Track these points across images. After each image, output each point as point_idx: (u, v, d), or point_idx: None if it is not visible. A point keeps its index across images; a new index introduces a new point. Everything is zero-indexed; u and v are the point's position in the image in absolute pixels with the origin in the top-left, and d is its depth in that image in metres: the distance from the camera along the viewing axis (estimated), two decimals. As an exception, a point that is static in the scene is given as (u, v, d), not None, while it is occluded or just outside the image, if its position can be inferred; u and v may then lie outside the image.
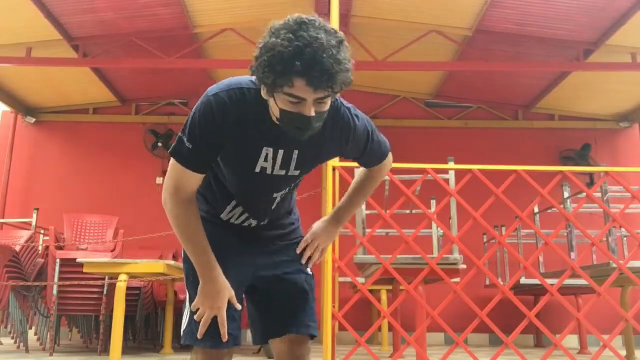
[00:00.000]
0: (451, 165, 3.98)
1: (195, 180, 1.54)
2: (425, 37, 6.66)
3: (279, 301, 1.68)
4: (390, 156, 1.80)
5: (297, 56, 1.29)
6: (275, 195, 1.65)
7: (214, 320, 1.57)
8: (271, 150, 1.53)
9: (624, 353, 4.60)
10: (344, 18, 6.35)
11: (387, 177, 3.85)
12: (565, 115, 8.55)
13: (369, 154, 1.71)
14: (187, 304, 1.66)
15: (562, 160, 8.20)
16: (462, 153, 6.90)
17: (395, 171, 3.81)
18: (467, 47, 6.84)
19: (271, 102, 1.42)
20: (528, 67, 7.12)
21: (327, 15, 4.55)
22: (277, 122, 1.45)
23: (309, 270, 1.76)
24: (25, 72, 7.39)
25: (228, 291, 1.58)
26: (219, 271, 1.58)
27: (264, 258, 1.70)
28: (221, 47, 7.29)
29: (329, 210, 3.65)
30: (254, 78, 1.45)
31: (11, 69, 7.23)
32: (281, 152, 1.54)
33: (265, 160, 1.54)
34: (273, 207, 1.68)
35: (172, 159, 1.54)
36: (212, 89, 1.50)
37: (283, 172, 1.58)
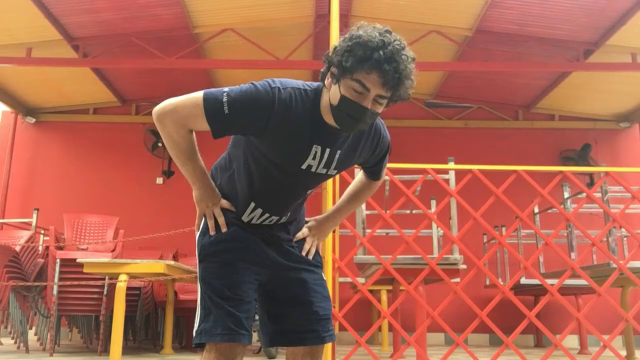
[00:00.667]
0: (451, 165, 3.98)
1: (201, 127, 1.57)
2: (425, 37, 6.65)
3: (301, 311, 1.69)
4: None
5: (380, 48, 1.44)
6: (308, 192, 1.73)
7: (232, 315, 1.58)
8: (319, 148, 1.60)
9: (624, 353, 4.60)
10: (344, 18, 6.34)
11: (387, 177, 3.86)
12: (565, 115, 8.55)
13: (381, 166, 1.82)
14: (199, 303, 1.66)
15: (562, 160, 8.20)
16: (462, 153, 6.91)
17: (395, 171, 3.82)
18: (467, 47, 6.84)
19: (332, 89, 1.52)
20: (528, 67, 7.12)
21: (327, 15, 4.56)
22: (331, 110, 1.52)
23: (323, 275, 1.80)
24: (25, 72, 7.39)
25: (217, 193, 1.72)
26: (209, 180, 1.71)
27: (281, 259, 1.72)
28: (221, 47, 7.29)
29: (329, 210, 3.65)
30: (308, 83, 1.59)
31: (11, 69, 7.22)
32: (328, 150, 1.61)
33: (314, 158, 1.61)
34: (298, 202, 1.74)
35: (202, 97, 1.54)
36: (275, 81, 1.56)
37: (324, 171, 1.65)
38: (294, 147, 1.59)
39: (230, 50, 7.28)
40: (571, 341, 7.21)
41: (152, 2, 6.11)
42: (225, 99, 1.53)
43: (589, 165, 8.04)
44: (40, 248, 6.03)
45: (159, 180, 8.15)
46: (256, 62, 6.85)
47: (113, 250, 5.76)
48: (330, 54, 1.52)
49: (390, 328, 6.36)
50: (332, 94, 1.52)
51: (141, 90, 8.34)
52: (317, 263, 1.80)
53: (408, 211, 5.29)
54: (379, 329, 6.57)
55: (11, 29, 6.33)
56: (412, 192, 3.76)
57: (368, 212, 4.88)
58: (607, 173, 3.90)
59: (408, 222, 4.68)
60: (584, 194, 3.85)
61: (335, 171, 1.68)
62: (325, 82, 1.55)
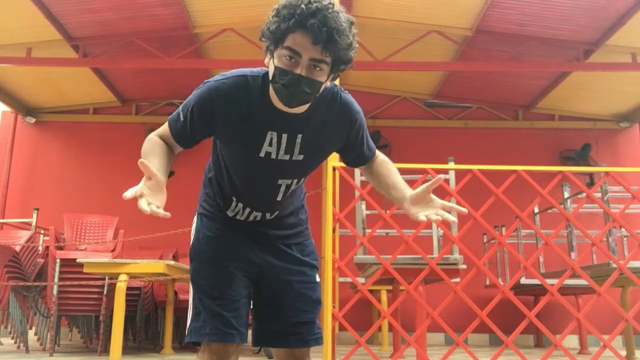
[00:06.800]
0: (451, 165, 3.98)
1: (174, 143, 1.64)
2: (425, 37, 6.65)
3: (284, 313, 1.67)
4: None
5: (304, 4, 1.40)
6: (280, 182, 1.65)
7: (220, 315, 1.57)
8: (275, 134, 1.56)
9: (624, 353, 4.60)
10: (344, 18, 6.33)
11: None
12: (565, 115, 8.55)
13: (366, 143, 1.72)
14: (191, 302, 1.66)
15: (562, 160, 8.20)
16: (462, 153, 6.90)
17: (395, 171, 3.81)
18: (467, 47, 6.83)
19: (270, 66, 1.49)
20: (528, 67, 7.12)
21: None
22: (272, 86, 1.49)
23: (316, 277, 1.76)
24: (25, 72, 7.39)
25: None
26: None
27: (272, 259, 1.70)
28: (221, 47, 7.29)
29: (329, 210, 3.66)
30: (256, 69, 1.56)
31: (11, 69, 7.22)
32: (284, 135, 1.56)
33: (270, 144, 1.57)
34: (278, 198, 1.68)
35: (167, 122, 1.64)
36: (216, 77, 1.57)
37: (287, 157, 1.59)
38: (247, 135, 1.56)
39: (230, 50, 7.28)
40: (571, 341, 7.20)
41: (152, 2, 6.11)
42: (180, 108, 1.60)
43: (589, 165, 8.04)
44: (40, 248, 6.02)
45: (159, 180, 8.13)
46: (256, 62, 6.81)
47: (113, 250, 5.76)
48: (262, 27, 1.49)
49: (390, 328, 6.35)
50: (270, 70, 1.49)
51: (141, 90, 8.34)
52: (311, 263, 1.76)
53: (408, 211, 5.27)
54: (379, 329, 6.56)
55: (11, 29, 6.33)
56: (412, 192, 3.75)
57: (368, 212, 4.87)
58: (607, 173, 3.90)
59: (408, 222, 4.65)
60: (584, 194, 3.84)
61: (302, 156, 1.60)
62: (265, 61, 1.52)
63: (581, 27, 6.27)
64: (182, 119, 1.58)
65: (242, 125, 1.55)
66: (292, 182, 1.67)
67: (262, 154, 1.57)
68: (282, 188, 1.66)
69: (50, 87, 7.92)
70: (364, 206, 4.65)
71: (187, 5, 6.26)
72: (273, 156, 1.58)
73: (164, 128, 1.64)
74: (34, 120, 8.49)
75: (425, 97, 8.70)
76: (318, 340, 1.69)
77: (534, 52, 6.79)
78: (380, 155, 1.80)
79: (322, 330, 3.44)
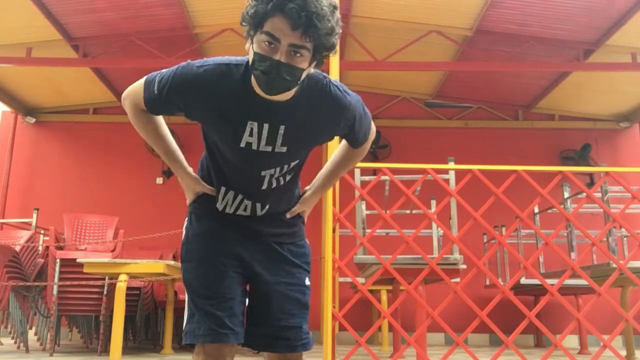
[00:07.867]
0: (451, 165, 3.98)
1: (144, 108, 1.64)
2: (425, 37, 6.65)
3: (271, 315, 1.63)
4: (373, 127, 1.78)
5: None
6: (263, 173, 1.61)
7: (213, 315, 1.54)
8: (255, 124, 1.52)
9: (624, 353, 4.60)
10: (344, 18, 6.35)
11: (387, 177, 3.86)
12: (565, 115, 8.55)
13: (353, 135, 1.69)
14: (186, 303, 1.64)
15: (562, 160, 8.20)
16: (462, 153, 6.91)
17: (395, 171, 3.82)
18: (467, 47, 6.83)
19: (250, 51, 1.46)
20: (528, 67, 7.12)
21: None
22: (251, 72, 1.46)
23: (307, 281, 1.71)
24: (25, 72, 7.39)
25: (197, 184, 1.71)
26: (185, 168, 1.73)
27: (262, 257, 1.67)
28: (221, 47, 7.29)
29: (329, 210, 3.66)
30: (241, 57, 1.54)
31: (11, 69, 7.22)
32: (266, 126, 1.52)
33: (250, 134, 1.53)
34: (263, 187, 1.63)
35: (146, 77, 1.62)
36: (198, 62, 1.54)
37: (269, 149, 1.55)
38: (226, 125, 1.53)
39: (230, 50, 7.27)
40: (571, 341, 7.21)
41: (152, 2, 6.12)
42: (156, 81, 1.56)
43: (589, 165, 8.04)
44: (40, 248, 6.02)
45: (159, 180, 8.14)
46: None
47: (113, 250, 5.76)
48: (242, 12, 1.46)
49: (390, 328, 6.36)
50: (250, 55, 1.45)
51: (141, 90, 8.33)
52: (302, 266, 1.71)
53: (408, 211, 5.29)
54: (379, 329, 6.57)
55: (11, 29, 6.33)
56: (412, 192, 3.76)
57: (368, 212, 4.88)
58: (607, 173, 3.90)
59: (408, 222, 4.67)
60: (584, 194, 3.84)
61: (285, 148, 1.55)
62: (246, 47, 1.48)
63: (581, 27, 6.27)
64: (156, 91, 1.56)
65: (221, 114, 1.52)
66: (275, 171, 1.62)
67: (242, 145, 1.54)
68: (266, 178, 1.62)
69: (50, 87, 7.92)
70: (364, 206, 4.65)
71: (187, 5, 6.26)
72: (254, 147, 1.54)
73: (139, 91, 1.61)
74: (34, 120, 8.49)
75: (425, 97, 8.69)
76: (305, 346, 1.65)
77: (534, 52, 6.79)
78: (356, 150, 1.78)
79: (322, 330, 3.45)
